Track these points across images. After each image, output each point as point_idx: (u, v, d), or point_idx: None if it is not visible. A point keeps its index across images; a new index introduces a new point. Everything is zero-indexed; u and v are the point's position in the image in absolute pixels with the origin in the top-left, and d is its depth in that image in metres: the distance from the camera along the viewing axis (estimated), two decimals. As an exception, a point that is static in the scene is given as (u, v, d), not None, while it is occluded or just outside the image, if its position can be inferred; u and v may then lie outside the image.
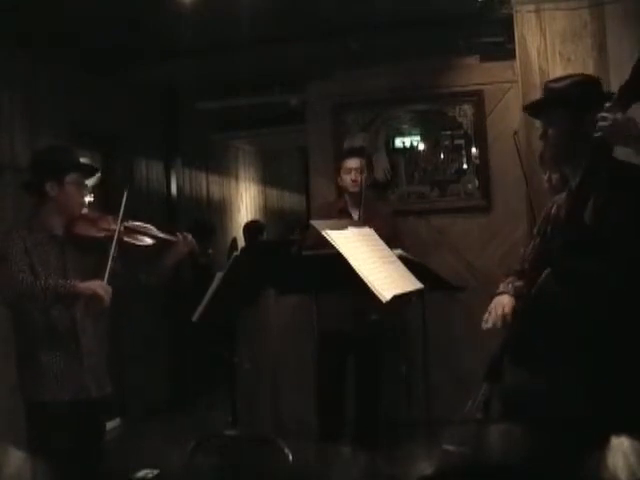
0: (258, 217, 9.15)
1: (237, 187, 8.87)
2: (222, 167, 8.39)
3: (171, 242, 3.27)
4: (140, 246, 3.19)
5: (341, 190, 4.75)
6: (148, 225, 3.28)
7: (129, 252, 3.21)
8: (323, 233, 3.19)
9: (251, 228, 7.75)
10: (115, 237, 3.04)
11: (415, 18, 4.99)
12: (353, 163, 4.52)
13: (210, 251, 3.47)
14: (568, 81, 2.56)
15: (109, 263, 2.98)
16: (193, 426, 5.00)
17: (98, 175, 5.54)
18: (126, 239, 3.13)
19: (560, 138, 2.50)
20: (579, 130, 2.42)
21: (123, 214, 3.12)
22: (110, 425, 5.58)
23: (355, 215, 4.42)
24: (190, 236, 3.31)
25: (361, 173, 4.49)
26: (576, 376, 2.20)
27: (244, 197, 9.08)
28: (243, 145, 8.98)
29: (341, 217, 4.27)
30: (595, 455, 1.15)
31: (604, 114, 2.23)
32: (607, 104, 2.27)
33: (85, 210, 3.18)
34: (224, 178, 8.38)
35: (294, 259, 3.73)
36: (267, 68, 5.82)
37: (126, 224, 3.16)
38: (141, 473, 4.17)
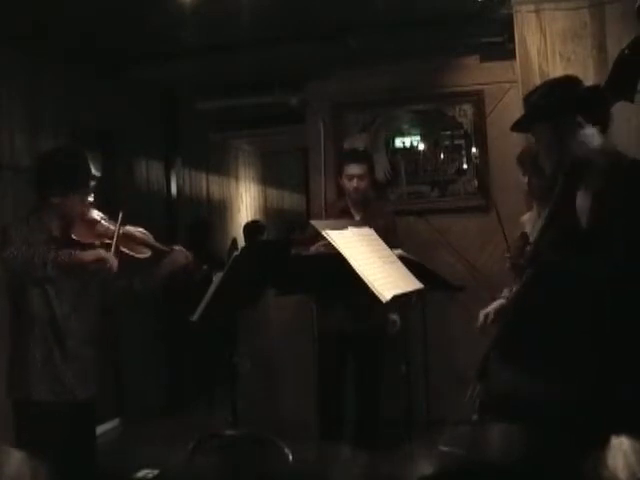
0: (258, 217, 9.15)
1: (237, 187, 8.87)
2: (222, 167, 8.39)
3: (168, 253, 3.24)
4: (137, 258, 3.16)
5: (342, 191, 4.74)
6: (145, 232, 3.25)
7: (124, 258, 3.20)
8: (323, 233, 3.19)
9: (251, 228, 7.76)
10: (114, 241, 3.02)
11: (415, 18, 4.99)
12: (355, 169, 4.41)
13: (205, 267, 3.43)
14: (537, 93, 2.57)
15: (116, 233, 3.00)
16: (193, 426, 5.00)
17: (98, 175, 5.58)
18: (123, 249, 3.10)
19: (546, 149, 2.51)
20: (560, 133, 2.43)
21: (119, 225, 3.08)
22: (109, 425, 5.59)
23: (357, 216, 4.42)
24: (186, 251, 3.28)
25: (363, 180, 4.42)
26: (560, 375, 2.20)
27: (244, 197, 9.08)
28: (243, 145, 8.98)
29: (343, 218, 4.26)
30: (595, 455, 1.15)
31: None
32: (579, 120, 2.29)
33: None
34: (224, 178, 8.38)
35: (294, 259, 3.73)
36: (267, 68, 5.82)
37: (124, 230, 3.13)
38: (141, 473, 4.18)
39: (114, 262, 2.92)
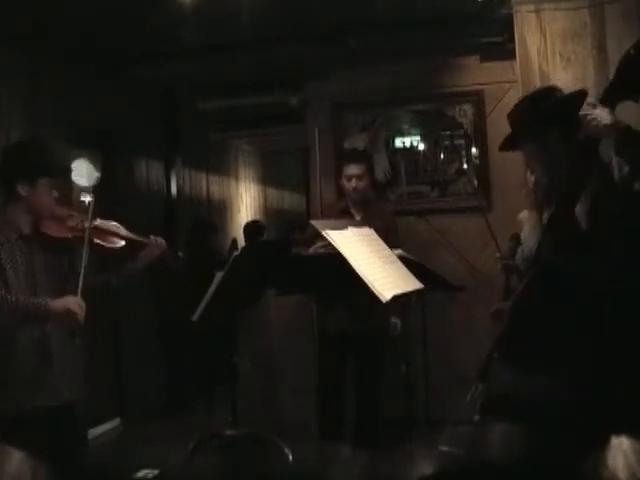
0: (258, 217, 9.15)
1: (237, 187, 8.87)
2: (222, 167, 8.38)
3: (142, 244, 3.23)
4: (111, 248, 3.15)
5: (342, 191, 4.74)
6: (117, 224, 3.24)
7: (100, 252, 3.18)
8: (323, 233, 3.19)
9: (251, 228, 7.76)
10: (85, 249, 2.98)
11: (415, 18, 4.99)
12: (353, 170, 4.42)
13: (180, 254, 3.43)
14: (516, 112, 2.59)
15: (81, 276, 2.93)
16: (193, 426, 5.00)
17: (98, 175, 5.59)
18: (97, 241, 3.09)
19: (537, 163, 2.53)
20: (547, 149, 2.45)
21: (92, 218, 3.07)
22: (109, 425, 5.59)
23: (358, 216, 4.42)
24: (161, 239, 3.27)
25: (362, 180, 4.43)
26: (562, 375, 2.20)
27: (244, 197, 9.08)
28: (243, 145, 8.98)
29: (343, 218, 4.27)
30: (595, 455, 1.15)
31: (586, 112, 2.27)
32: (590, 100, 2.30)
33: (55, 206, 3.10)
34: (224, 178, 8.38)
35: (294, 259, 3.73)
36: (267, 68, 5.82)
37: (95, 223, 3.11)
38: (141, 473, 4.17)
39: (82, 312, 2.88)
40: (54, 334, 3.02)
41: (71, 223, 3.08)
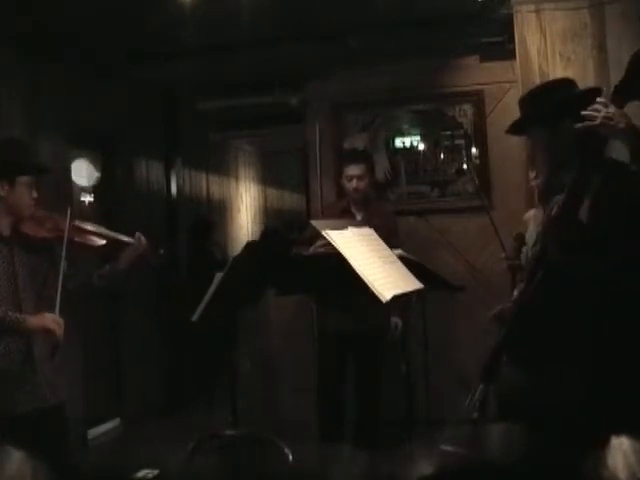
0: (258, 217, 9.16)
1: (237, 187, 8.87)
2: (222, 167, 8.38)
3: (124, 243, 3.22)
4: (92, 246, 3.15)
5: (343, 191, 4.75)
6: (97, 225, 3.25)
7: (82, 253, 3.18)
8: (323, 233, 3.19)
9: (269, 235, 7.73)
10: (61, 267, 2.97)
11: (415, 18, 4.99)
12: (354, 170, 4.44)
13: (161, 251, 3.43)
14: (533, 96, 2.58)
15: (59, 292, 2.91)
16: (193, 426, 5.00)
17: (98, 175, 5.59)
18: (77, 239, 3.08)
19: (543, 153, 2.51)
20: (558, 138, 2.43)
21: (70, 217, 3.05)
22: (109, 425, 5.59)
23: (359, 216, 4.43)
24: (143, 238, 3.26)
25: (362, 180, 4.44)
26: (571, 375, 2.21)
27: (244, 197, 9.08)
28: (243, 145, 8.98)
29: (344, 217, 4.27)
30: (595, 455, 1.15)
31: (595, 106, 2.25)
32: (599, 99, 2.29)
33: (33, 209, 3.08)
34: (224, 178, 8.38)
35: (294, 259, 3.73)
36: (267, 68, 5.82)
37: (75, 224, 3.11)
38: (141, 473, 4.17)
39: (60, 329, 2.85)
40: (37, 338, 2.97)
41: (50, 224, 3.07)
